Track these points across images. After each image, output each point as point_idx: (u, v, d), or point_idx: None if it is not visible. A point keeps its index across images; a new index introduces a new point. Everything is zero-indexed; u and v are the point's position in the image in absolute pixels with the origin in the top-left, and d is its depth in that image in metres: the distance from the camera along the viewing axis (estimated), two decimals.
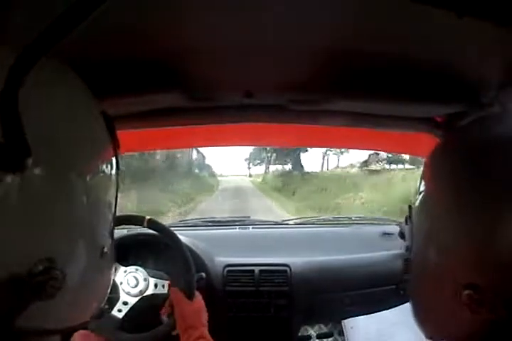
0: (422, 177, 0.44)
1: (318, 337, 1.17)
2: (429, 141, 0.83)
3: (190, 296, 0.88)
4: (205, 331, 0.81)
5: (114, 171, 0.39)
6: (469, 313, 0.35)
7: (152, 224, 0.96)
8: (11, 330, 0.30)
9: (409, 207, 0.47)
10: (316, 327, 1.18)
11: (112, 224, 0.40)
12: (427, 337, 0.45)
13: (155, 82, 0.65)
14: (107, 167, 0.38)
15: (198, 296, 0.90)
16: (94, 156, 0.37)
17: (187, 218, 1.72)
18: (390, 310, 1.06)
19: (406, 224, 0.48)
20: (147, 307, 0.97)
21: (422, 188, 0.43)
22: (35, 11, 0.41)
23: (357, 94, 0.70)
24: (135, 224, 0.99)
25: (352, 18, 0.51)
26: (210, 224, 1.56)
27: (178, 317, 0.84)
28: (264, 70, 0.68)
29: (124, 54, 0.59)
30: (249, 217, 1.70)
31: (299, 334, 1.17)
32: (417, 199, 0.45)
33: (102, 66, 0.60)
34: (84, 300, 0.37)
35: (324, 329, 1.18)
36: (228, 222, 1.58)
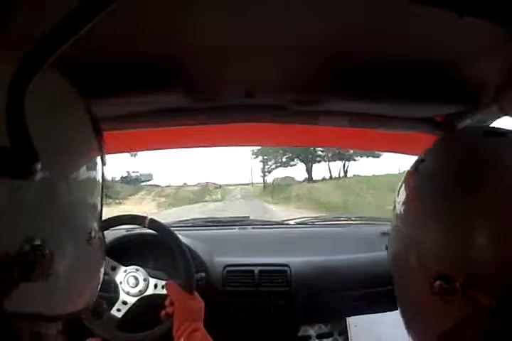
0: (404, 181, 0.45)
1: (318, 337, 1.17)
2: (429, 141, 0.82)
3: (190, 290, 0.88)
4: (202, 325, 0.81)
5: (99, 165, 0.41)
6: (444, 304, 0.37)
7: (153, 224, 0.96)
8: (3, 314, 0.30)
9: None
10: (316, 327, 1.18)
11: (100, 215, 0.42)
12: (414, 337, 0.45)
13: (155, 82, 0.65)
14: (93, 161, 0.40)
15: (198, 295, 0.90)
16: (81, 152, 0.39)
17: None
18: (395, 312, 1.06)
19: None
20: (146, 308, 0.97)
21: (403, 192, 0.45)
22: (36, 12, 0.41)
23: (357, 94, 0.70)
24: (136, 224, 1.00)
25: (352, 19, 0.51)
26: (209, 224, 1.56)
27: (176, 310, 0.84)
28: (264, 70, 0.68)
29: (124, 54, 0.59)
30: (248, 216, 1.70)
31: (299, 334, 1.17)
32: (397, 203, 0.46)
33: (102, 66, 0.60)
34: (75, 285, 0.38)
35: (324, 329, 1.18)
36: (228, 222, 1.58)
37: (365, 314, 1.11)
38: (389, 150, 1.28)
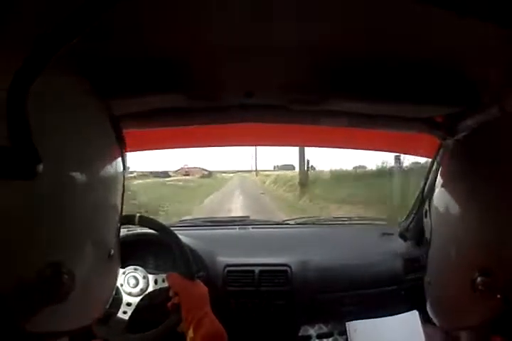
0: (441, 175, 0.46)
1: (318, 337, 1.17)
2: (429, 141, 0.83)
3: (191, 276, 0.88)
4: (209, 310, 0.80)
5: (120, 172, 0.39)
6: (483, 300, 0.37)
7: (144, 221, 0.95)
8: (22, 334, 0.29)
9: (428, 201, 0.49)
10: (316, 327, 1.18)
11: (120, 227, 0.41)
12: (445, 329, 0.45)
13: (156, 82, 0.65)
14: (113, 169, 0.38)
15: (200, 282, 0.90)
16: (101, 159, 0.37)
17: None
18: (394, 317, 1.06)
19: (425, 217, 0.50)
20: (151, 305, 0.97)
21: (439, 185, 0.45)
22: (40, 13, 0.41)
23: (357, 94, 0.70)
24: (127, 223, 0.99)
25: (352, 19, 0.51)
26: (209, 224, 1.56)
27: (182, 299, 0.84)
28: (264, 70, 0.68)
29: (124, 54, 0.59)
30: (248, 216, 1.70)
31: (299, 334, 1.17)
32: (432, 195, 0.46)
33: (102, 66, 0.60)
34: (91, 301, 0.38)
35: (324, 329, 1.18)
36: (228, 221, 1.58)
37: (365, 314, 1.11)
38: (389, 150, 1.28)
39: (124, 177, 0.40)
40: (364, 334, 1.10)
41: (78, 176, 0.33)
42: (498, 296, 0.35)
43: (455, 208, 0.42)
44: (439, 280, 0.47)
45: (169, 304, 0.89)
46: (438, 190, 0.47)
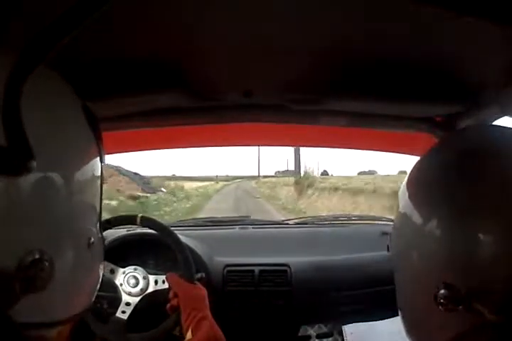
0: (406, 186, 0.44)
1: (318, 337, 1.17)
2: (429, 141, 0.82)
3: (191, 278, 0.88)
4: (209, 313, 0.80)
5: (98, 167, 0.41)
6: (446, 314, 0.36)
7: (146, 221, 0.95)
8: (6, 324, 0.30)
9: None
10: (316, 327, 1.18)
11: (99, 217, 0.42)
12: None
13: (155, 81, 0.65)
14: (91, 163, 0.40)
15: (199, 284, 0.89)
16: (79, 154, 0.38)
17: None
18: (391, 319, 1.06)
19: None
20: (150, 305, 0.97)
21: (404, 197, 0.44)
22: (35, 14, 0.41)
23: (357, 93, 0.70)
24: (129, 224, 0.99)
25: (352, 18, 0.51)
26: (209, 224, 1.56)
27: (180, 300, 0.83)
28: (264, 70, 0.68)
29: (124, 54, 0.59)
30: (249, 216, 1.70)
31: (299, 334, 1.17)
32: (399, 210, 0.45)
33: (102, 66, 0.60)
34: (74, 291, 0.38)
35: (324, 329, 1.18)
36: (228, 221, 1.58)
37: (365, 314, 1.11)
38: (389, 150, 1.28)
39: (101, 171, 0.42)
40: (360, 337, 1.09)
41: (57, 170, 0.34)
42: (460, 307, 0.34)
43: (419, 221, 0.40)
44: (406, 302, 0.45)
45: (168, 307, 0.88)
46: (402, 194, 0.44)
